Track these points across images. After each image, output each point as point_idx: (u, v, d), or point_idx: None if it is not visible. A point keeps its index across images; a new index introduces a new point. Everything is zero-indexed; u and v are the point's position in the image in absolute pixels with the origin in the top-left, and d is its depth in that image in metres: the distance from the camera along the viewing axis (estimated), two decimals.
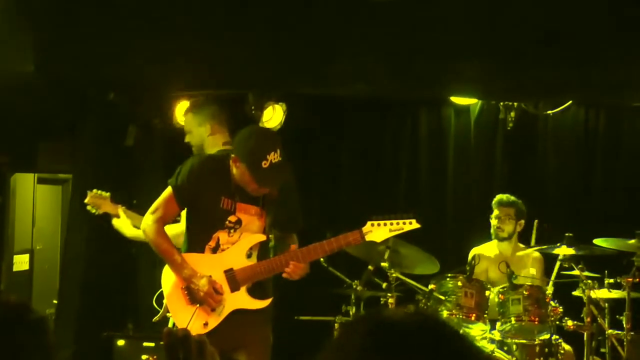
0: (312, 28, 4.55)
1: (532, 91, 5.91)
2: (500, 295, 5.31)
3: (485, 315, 5.27)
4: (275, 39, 4.72)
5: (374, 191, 6.97)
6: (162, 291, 4.26)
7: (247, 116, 6.22)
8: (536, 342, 5.24)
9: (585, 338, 5.27)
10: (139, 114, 6.32)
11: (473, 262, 5.47)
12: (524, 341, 5.26)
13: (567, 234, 5.33)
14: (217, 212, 4.13)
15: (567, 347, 5.38)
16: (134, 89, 5.99)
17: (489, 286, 5.40)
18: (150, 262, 4.99)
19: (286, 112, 6.19)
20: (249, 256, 4.19)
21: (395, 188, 7.03)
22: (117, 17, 4.53)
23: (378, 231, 4.14)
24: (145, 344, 5.40)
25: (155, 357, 5.32)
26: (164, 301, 4.24)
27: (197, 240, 4.21)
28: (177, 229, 4.88)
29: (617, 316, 5.26)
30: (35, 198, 7.01)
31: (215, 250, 4.18)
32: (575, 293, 5.38)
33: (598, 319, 5.28)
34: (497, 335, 5.29)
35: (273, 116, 6.17)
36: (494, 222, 5.97)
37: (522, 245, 6.05)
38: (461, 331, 1.33)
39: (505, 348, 5.26)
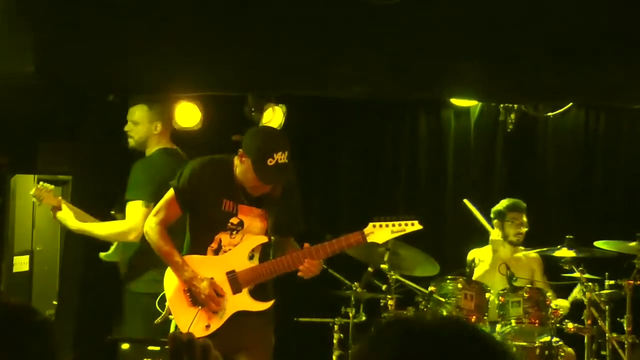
0: (311, 30, 4.55)
1: (532, 93, 5.90)
2: (500, 297, 5.31)
3: (485, 318, 5.27)
4: (275, 41, 4.71)
5: (374, 192, 6.96)
6: (164, 293, 4.26)
7: (247, 118, 6.23)
8: (536, 345, 5.25)
9: (585, 341, 5.27)
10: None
11: (472, 264, 5.47)
12: (524, 343, 5.26)
13: (567, 236, 5.33)
14: (219, 214, 4.13)
15: (568, 349, 5.38)
16: (133, 90, 5.98)
17: (488, 288, 5.40)
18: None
19: (286, 114, 6.18)
20: (251, 258, 4.20)
21: (395, 189, 7.03)
22: (117, 18, 4.53)
23: (380, 232, 4.14)
24: (150, 347, 5.39)
25: None
26: (166, 303, 4.24)
27: (198, 242, 4.21)
28: (113, 229, 4.92)
29: (618, 319, 5.26)
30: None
31: (217, 252, 4.18)
32: (574, 294, 5.38)
33: (599, 321, 5.28)
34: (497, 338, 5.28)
35: (273, 118, 6.16)
36: (512, 229, 5.86)
37: (520, 247, 6.05)
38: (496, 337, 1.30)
39: None
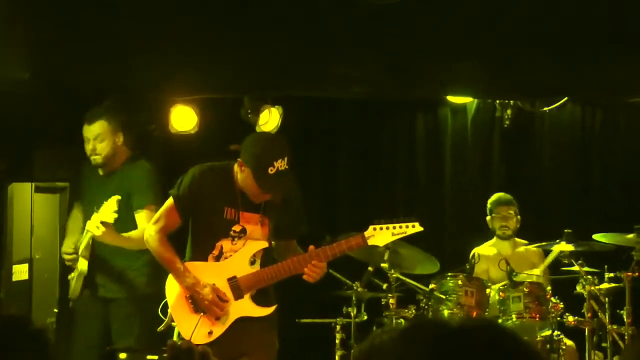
0: (310, 30, 4.55)
1: (530, 91, 5.92)
2: (500, 293, 5.32)
3: (486, 314, 5.28)
4: (273, 42, 4.71)
5: (372, 192, 6.97)
6: (166, 300, 4.25)
7: (243, 120, 6.23)
8: (538, 339, 5.26)
9: (586, 333, 5.28)
10: (135, 121, 6.31)
11: (473, 260, 5.48)
12: (525, 338, 5.23)
13: (566, 230, 5.33)
14: (221, 222, 4.12)
15: (569, 342, 5.40)
16: (130, 96, 5.98)
17: (489, 284, 5.41)
18: (152, 271, 4.97)
19: (282, 116, 6.19)
20: (252, 263, 4.18)
21: (393, 188, 7.04)
22: (112, 24, 4.53)
23: (381, 235, 4.13)
24: (149, 357, 5.39)
25: None
26: (169, 310, 4.23)
27: (200, 249, 4.20)
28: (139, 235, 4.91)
29: (618, 311, 5.27)
30: (33, 207, 6.98)
31: (218, 258, 4.17)
32: (577, 288, 5.38)
33: (599, 314, 5.29)
34: None
35: (269, 120, 6.16)
36: (497, 222, 5.98)
37: (520, 242, 6.07)
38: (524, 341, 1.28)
39: None
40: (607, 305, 5.30)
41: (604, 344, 5.33)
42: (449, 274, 5.37)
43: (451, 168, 7.01)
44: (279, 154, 3.97)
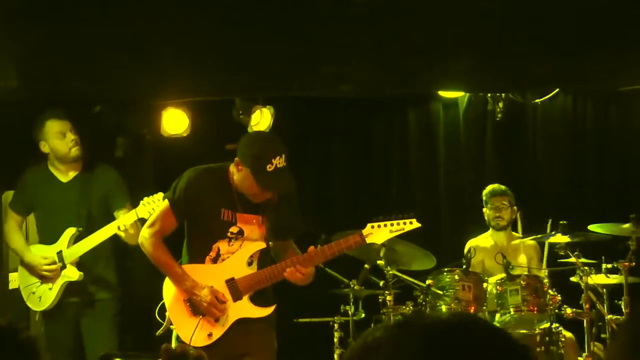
0: (296, 29, 4.54)
1: (519, 82, 5.92)
2: (498, 287, 5.31)
3: (484, 308, 5.28)
4: (259, 42, 4.70)
5: (367, 189, 6.96)
6: (164, 304, 4.24)
7: (235, 121, 6.21)
8: (536, 332, 5.26)
9: (585, 325, 5.28)
10: (127, 126, 6.30)
11: (469, 254, 5.47)
12: (524, 331, 5.27)
13: (561, 222, 5.33)
14: (217, 224, 4.11)
15: (568, 334, 5.39)
16: (121, 101, 5.97)
17: (486, 278, 5.40)
18: (147, 275, 4.98)
19: (274, 116, 6.18)
20: (249, 264, 4.17)
21: (388, 185, 7.03)
22: (101, 29, 4.50)
23: (379, 233, 4.12)
24: None
25: None
26: (167, 314, 4.22)
27: (197, 251, 4.19)
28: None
29: (616, 301, 5.27)
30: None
31: (215, 260, 4.16)
32: (573, 279, 5.38)
33: (597, 305, 5.29)
34: None
35: (261, 120, 6.15)
36: (490, 213, 6.01)
37: (516, 234, 6.07)
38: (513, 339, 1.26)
39: None
40: (605, 296, 5.30)
41: (603, 335, 5.33)
42: (446, 269, 5.37)
43: (445, 163, 7.01)
44: (276, 151, 3.96)
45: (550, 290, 5.25)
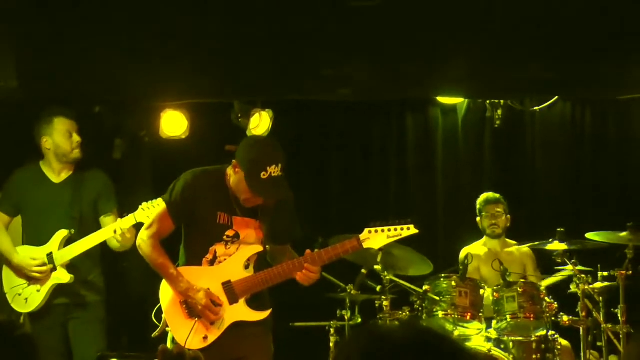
0: (295, 34, 4.54)
1: (518, 89, 5.92)
2: (494, 294, 5.31)
3: (481, 314, 5.27)
4: (259, 46, 4.70)
5: (364, 194, 6.96)
6: (160, 306, 4.23)
7: (234, 125, 6.22)
8: (533, 339, 5.25)
9: (581, 333, 5.27)
10: (126, 127, 6.30)
11: (466, 261, 5.47)
12: (520, 338, 5.27)
13: (558, 229, 5.33)
14: (214, 227, 4.10)
15: (564, 342, 5.39)
16: (120, 102, 5.97)
17: (483, 285, 5.40)
18: (143, 276, 4.97)
19: (273, 119, 6.18)
20: (246, 267, 4.17)
21: (385, 190, 7.03)
22: (100, 31, 4.51)
23: (376, 238, 4.11)
24: None
25: None
26: (163, 316, 4.21)
27: (194, 253, 4.18)
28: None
29: (612, 309, 5.26)
30: None
31: (212, 262, 4.15)
32: (571, 287, 5.38)
33: (593, 313, 5.28)
34: (493, 334, 5.29)
35: (260, 123, 6.15)
36: (486, 221, 6.02)
37: (510, 242, 6.07)
38: (460, 343, 1.27)
39: (502, 346, 5.27)
40: (601, 304, 5.29)
41: (599, 343, 5.33)
42: (443, 275, 5.37)
43: (443, 169, 7.01)
44: (273, 159, 3.95)
45: (546, 298, 5.25)
